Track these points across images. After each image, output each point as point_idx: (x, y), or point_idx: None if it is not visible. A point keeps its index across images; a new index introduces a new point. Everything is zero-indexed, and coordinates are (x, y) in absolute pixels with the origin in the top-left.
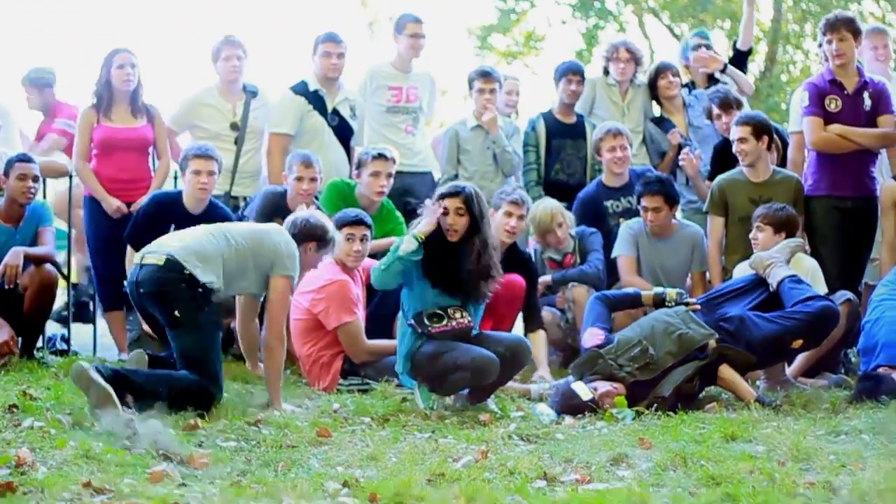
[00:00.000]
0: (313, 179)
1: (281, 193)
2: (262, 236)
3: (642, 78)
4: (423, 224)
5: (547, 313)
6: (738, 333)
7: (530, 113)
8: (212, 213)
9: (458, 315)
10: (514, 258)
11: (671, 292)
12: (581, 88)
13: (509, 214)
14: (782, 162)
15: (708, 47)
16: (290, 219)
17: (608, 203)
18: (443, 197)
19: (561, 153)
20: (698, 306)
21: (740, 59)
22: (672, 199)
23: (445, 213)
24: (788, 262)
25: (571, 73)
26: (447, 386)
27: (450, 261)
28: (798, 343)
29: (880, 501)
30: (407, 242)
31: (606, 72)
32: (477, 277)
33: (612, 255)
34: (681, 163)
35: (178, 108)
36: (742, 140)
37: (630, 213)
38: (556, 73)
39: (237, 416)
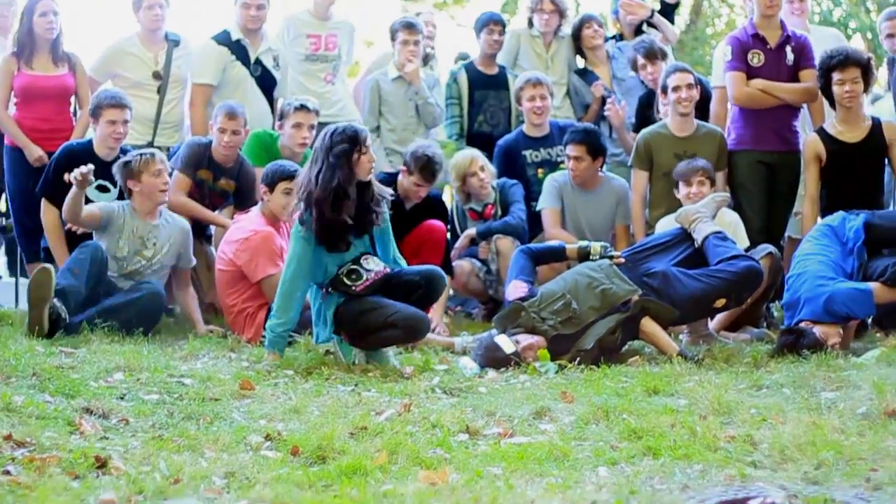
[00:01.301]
0: (236, 132)
1: (205, 145)
2: None
3: (566, 30)
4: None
5: (466, 263)
6: (661, 290)
7: (454, 63)
8: None
9: (371, 265)
10: (427, 202)
11: (595, 246)
12: (502, 38)
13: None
14: (703, 115)
15: None
16: None
17: (527, 153)
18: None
19: (484, 104)
20: (622, 260)
21: (667, 11)
22: (596, 151)
23: (366, 153)
24: (714, 217)
25: (493, 22)
26: (374, 341)
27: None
28: (721, 302)
29: (800, 455)
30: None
31: (531, 24)
32: (364, 214)
33: (537, 208)
34: (606, 113)
35: (100, 56)
36: (690, 86)
37: (549, 164)
38: (477, 24)
39: (159, 369)
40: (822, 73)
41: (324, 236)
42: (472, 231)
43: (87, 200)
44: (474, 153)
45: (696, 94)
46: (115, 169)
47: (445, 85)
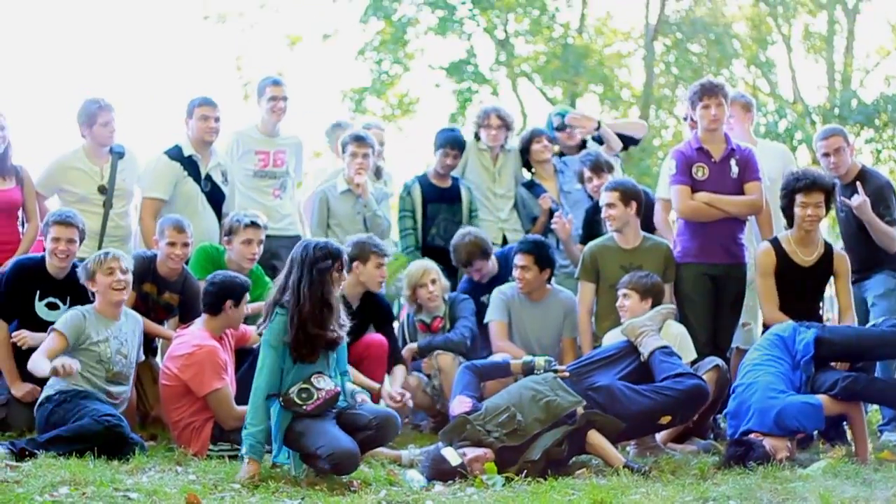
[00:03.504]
0: (185, 244)
1: (150, 258)
2: None
3: (513, 143)
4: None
5: (412, 378)
6: (606, 405)
7: (403, 173)
8: (75, 278)
9: (321, 383)
10: (370, 300)
11: (540, 360)
12: (457, 163)
13: (379, 265)
14: (648, 226)
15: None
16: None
17: (484, 298)
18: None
19: (437, 218)
20: (567, 373)
21: (627, 145)
22: (544, 262)
23: (340, 271)
24: (660, 330)
25: (450, 146)
26: (313, 467)
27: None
28: (667, 419)
29: None
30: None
31: (477, 137)
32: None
33: (485, 321)
34: (553, 227)
35: (45, 171)
36: (610, 206)
37: None
38: (437, 140)
39: (105, 482)
40: (786, 193)
41: (300, 349)
42: (413, 345)
43: (38, 318)
44: (427, 265)
45: (620, 211)
46: (78, 272)
47: (399, 197)
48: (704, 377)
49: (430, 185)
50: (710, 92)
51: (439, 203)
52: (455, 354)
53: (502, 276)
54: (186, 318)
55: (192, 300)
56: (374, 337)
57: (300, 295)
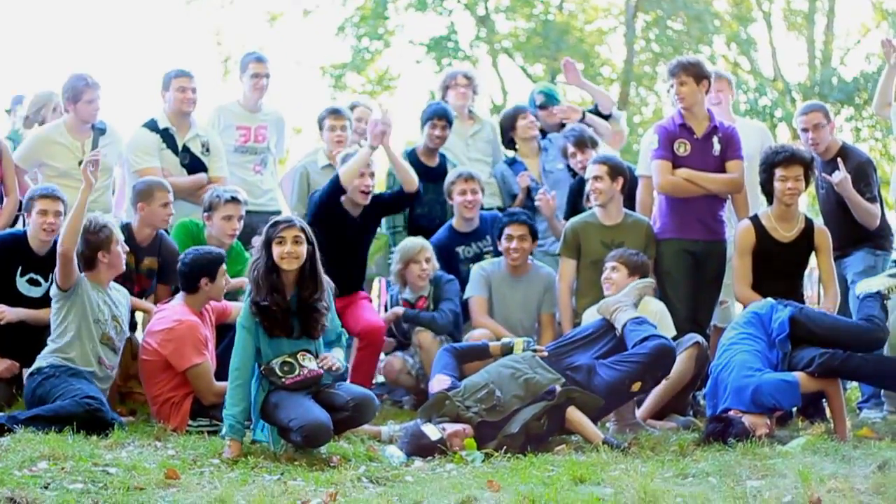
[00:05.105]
0: (169, 203)
1: (124, 227)
2: None
3: (489, 118)
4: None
5: (397, 360)
6: (585, 384)
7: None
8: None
9: (306, 362)
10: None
11: (518, 342)
12: (445, 134)
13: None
14: (631, 203)
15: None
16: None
17: (460, 249)
18: (277, 227)
19: (423, 197)
20: (545, 353)
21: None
22: (535, 233)
23: (281, 243)
24: (636, 305)
25: (437, 117)
26: (288, 440)
27: (282, 309)
28: (637, 386)
29: None
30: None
31: (444, 101)
32: (311, 312)
33: (465, 297)
34: (537, 204)
35: (26, 145)
36: (597, 178)
37: (480, 258)
38: (423, 115)
39: (84, 457)
40: (764, 168)
41: (263, 321)
42: (399, 309)
43: (19, 294)
44: (425, 243)
45: (607, 185)
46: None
47: (386, 173)
48: (684, 354)
49: (417, 162)
50: (672, 72)
51: (426, 182)
52: (435, 334)
53: (482, 230)
54: (167, 280)
55: (171, 261)
56: (372, 321)
57: (252, 268)
